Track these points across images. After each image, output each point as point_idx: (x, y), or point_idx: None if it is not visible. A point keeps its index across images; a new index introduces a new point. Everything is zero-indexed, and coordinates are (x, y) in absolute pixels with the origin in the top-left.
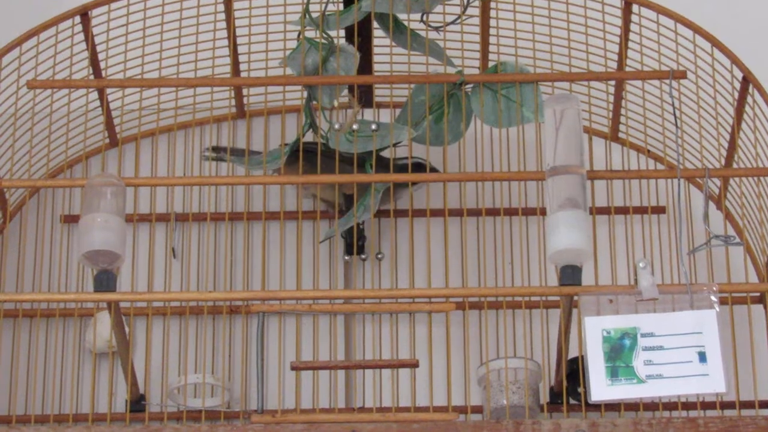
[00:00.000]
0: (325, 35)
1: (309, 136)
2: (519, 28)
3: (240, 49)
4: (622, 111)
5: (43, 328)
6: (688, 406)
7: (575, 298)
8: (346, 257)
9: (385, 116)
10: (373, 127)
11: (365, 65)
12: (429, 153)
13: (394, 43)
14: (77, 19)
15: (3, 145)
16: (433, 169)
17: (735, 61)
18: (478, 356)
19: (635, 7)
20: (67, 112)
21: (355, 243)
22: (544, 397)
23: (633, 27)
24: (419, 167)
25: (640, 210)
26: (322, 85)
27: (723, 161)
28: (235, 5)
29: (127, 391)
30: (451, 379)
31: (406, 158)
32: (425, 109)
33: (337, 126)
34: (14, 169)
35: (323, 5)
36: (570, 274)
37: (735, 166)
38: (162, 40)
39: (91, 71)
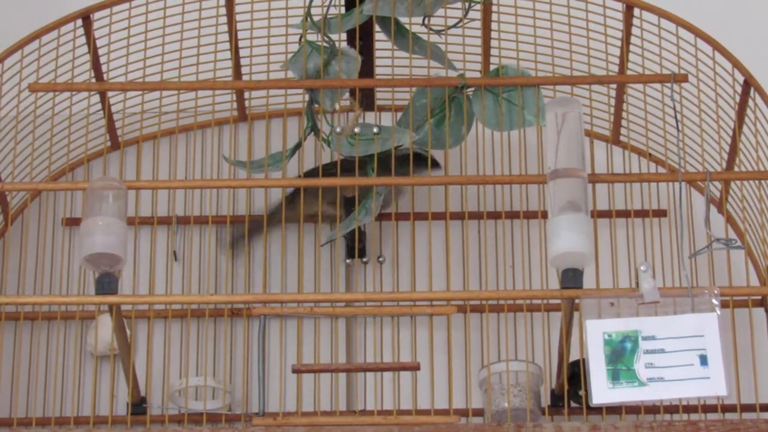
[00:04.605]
0: (326, 38)
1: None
2: (520, 31)
3: (242, 53)
4: (624, 114)
5: (45, 330)
6: (689, 409)
7: (576, 301)
8: (348, 260)
9: (387, 119)
10: (375, 130)
11: (367, 68)
12: (431, 156)
13: (395, 47)
14: (79, 22)
15: (5, 149)
16: (435, 162)
17: (736, 64)
18: (480, 359)
19: (636, 11)
20: (68, 115)
21: (356, 246)
22: (546, 400)
23: (634, 30)
24: (419, 158)
25: (642, 213)
26: (324, 89)
27: (724, 164)
28: (237, 8)
29: (129, 394)
30: (452, 382)
31: (407, 148)
32: (427, 113)
33: (338, 129)
34: (16, 172)
35: (325, 8)
36: (571, 278)
37: (736, 169)
38: (164, 43)
39: (92, 74)
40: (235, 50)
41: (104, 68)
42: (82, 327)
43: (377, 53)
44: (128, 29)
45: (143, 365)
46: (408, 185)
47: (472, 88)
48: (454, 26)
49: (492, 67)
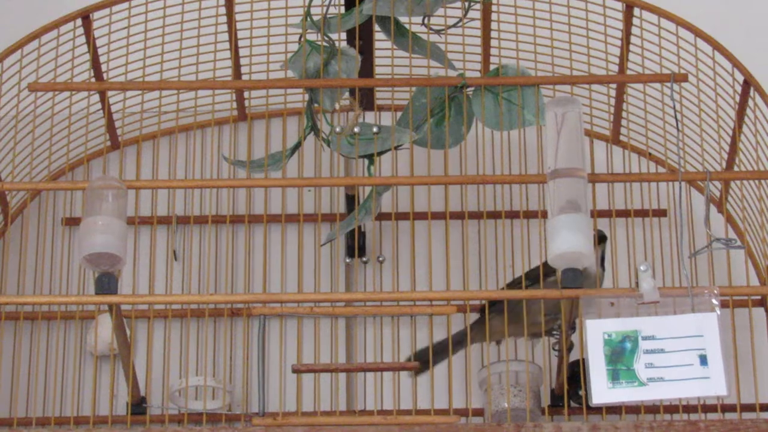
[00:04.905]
0: (326, 38)
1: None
2: (520, 31)
3: (241, 52)
4: (624, 114)
5: (45, 330)
6: (689, 409)
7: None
8: (348, 260)
9: (387, 119)
10: (375, 129)
11: (366, 68)
12: (430, 156)
13: (395, 46)
14: (79, 21)
15: (4, 148)
16: (603, 237)
17: (736, 64)
18: (480, 359)
19: (636, 11)
20: (68, 115)
21: (356, 245)
22: (546, 400)
23: (634, 30)
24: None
25: (641, 213)
26: (324, 88)
27: (724, 164)
28: (237, 8)
29: (128, 394)
30: (452, 382)
31: None
32: (426, 112)
33: (338, 129)
34: (15, 172)
35: (324, 8)
36: (571, 277)
37: (736, 169)
38: (163, 42)
39: (92, 74)
40: (235, 50)
41: (104, 68)
42: (82, 327)
43: (377, 53)
44: (128, 29)
45: (143, 365)
46: (408, 185)
47: (472, 88)
48: (454, 26)
49: (492, 67)
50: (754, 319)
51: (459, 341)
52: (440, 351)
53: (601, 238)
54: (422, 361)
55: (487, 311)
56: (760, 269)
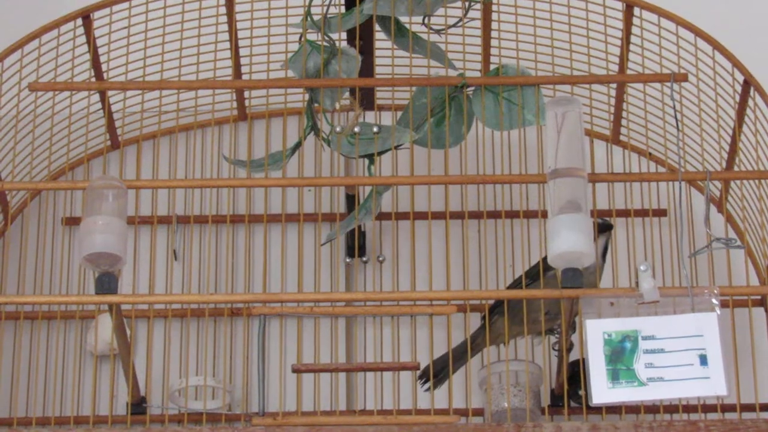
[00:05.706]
0: (326, 38)
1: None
2: (520, 31)
3: (242, 52)
4: (624, 114)
5: (45, 330)
6: (689, 409)
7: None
8: (348, 260)
9: (387, 119)
10: (375, 129)
11: (367, 68)
12: (430, 156)
13: (395, 46)
14: (79, 21)
15: (4, 148)
16: (608, 226)
17: (736, 64)
18: (480, 359)
19: (636, 10)
20: (68, 115)
21: (356, 245)
22: (546, 400)
23: (634, 30)
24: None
25: (642, 213)
26: (324, 88)
27: (724, 164)
28: (237, 7)
29: (128, 394)
30: (452, 382)
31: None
32: (427, 112)
33: (338, 129)
34: (16, 172)
35: (325, 8)
36: (571, 277)
37: (736, 168)
38: (164, 42)
39: (92, 73)
40: (235, 49)
41: (104, 67)
42: (82, 326)
43: (377, 52)
44: (128, 28)
45: (143, 365)
46: (408, 185)
47: (472, 88)
48: (454, 26)
49: (492, 67)
50: (754, 318)
51: (463, 352)
52: (456, 358)
53: (606, 227)
54: (438, 371)
55: (487, 317)
56: (760, 269)
